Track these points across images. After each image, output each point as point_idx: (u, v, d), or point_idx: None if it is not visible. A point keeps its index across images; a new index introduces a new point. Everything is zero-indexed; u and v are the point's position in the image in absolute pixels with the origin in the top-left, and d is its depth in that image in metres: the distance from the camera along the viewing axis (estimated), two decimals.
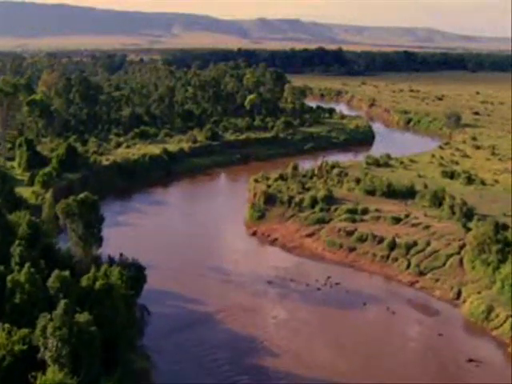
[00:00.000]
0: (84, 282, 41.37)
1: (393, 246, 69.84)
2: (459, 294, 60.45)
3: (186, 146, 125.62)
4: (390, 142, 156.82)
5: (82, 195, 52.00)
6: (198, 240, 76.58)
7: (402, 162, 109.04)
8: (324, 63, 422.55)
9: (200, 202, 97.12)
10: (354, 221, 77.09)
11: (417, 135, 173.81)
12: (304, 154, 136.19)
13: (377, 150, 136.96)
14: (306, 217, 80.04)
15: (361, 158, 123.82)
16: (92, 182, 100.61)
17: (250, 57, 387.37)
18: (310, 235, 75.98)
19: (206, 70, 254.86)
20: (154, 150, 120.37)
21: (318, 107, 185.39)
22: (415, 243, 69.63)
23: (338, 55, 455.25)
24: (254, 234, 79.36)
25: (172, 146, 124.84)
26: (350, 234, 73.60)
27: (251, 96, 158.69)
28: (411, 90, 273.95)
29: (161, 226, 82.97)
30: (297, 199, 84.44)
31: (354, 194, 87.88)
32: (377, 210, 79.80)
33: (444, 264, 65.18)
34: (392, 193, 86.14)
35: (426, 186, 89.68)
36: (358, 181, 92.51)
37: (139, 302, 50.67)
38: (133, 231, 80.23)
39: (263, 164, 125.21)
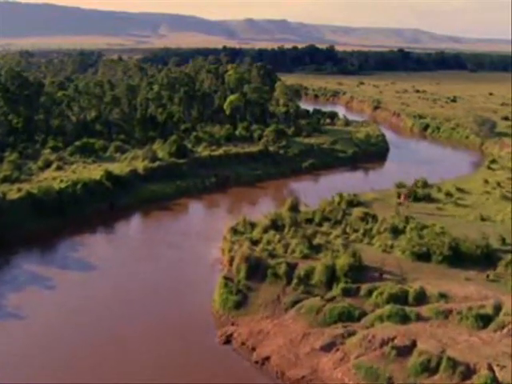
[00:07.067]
0: None
1: (491, 382, 36.28)
2: None
3: (140, 165, 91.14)
4: (408, 154, 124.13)
5: None
6: (124, 359, 42.28)
7: (448, 194, 75.29)
8: (315, 62, 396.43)
9: (148, 261, 62.66)
10: (404, 319, 43.27)
11: (438, 145, 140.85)
12: (302, 175, 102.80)
13: (396, 168, 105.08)
14: (318, 307, 45.80)
15: (380, 180, 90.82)
16: None
17: (237, 55, 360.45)
18: (327, 349, 41.48)
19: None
20: (95, 172, 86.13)
21: (316, 111, 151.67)
22: None
23: (329, 53, 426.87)
24: (228, 340, 44.90)
25: (122, 166, 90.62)
26: (402, 352, 39.51)
27: (232, 96, 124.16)
28: (417, 91, 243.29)
29: (70, 318, 48.50)
30: (301, 271, 50.49)
31: (392, 256, 54.15)
32: (442, 296, 46.12)
33: None
34: (457, 255, 52.56)
35: (503, 241, 56.62)
36: (395, 231, 58.92)
37: None
38: (20, 330, 45.87)
39: (247, 190, 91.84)
